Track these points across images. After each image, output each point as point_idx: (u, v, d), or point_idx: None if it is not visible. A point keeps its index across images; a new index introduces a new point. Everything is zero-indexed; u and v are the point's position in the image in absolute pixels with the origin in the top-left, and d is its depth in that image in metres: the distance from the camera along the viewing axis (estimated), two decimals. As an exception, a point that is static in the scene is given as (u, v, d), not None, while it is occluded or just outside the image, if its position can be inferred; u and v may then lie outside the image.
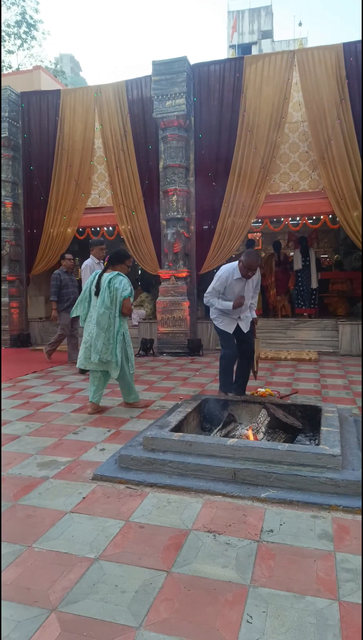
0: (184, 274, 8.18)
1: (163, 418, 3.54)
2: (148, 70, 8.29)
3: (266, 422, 3.47)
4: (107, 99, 8.51)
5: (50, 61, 25.12)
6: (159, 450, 2.91)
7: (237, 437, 3.30)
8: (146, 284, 10.18)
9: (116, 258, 4.32)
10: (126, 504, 2.51)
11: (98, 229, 9.27)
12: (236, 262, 4.48)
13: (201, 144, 8.13)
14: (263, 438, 3.31)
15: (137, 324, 8.99)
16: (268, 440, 3.28)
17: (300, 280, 9.26)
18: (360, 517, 2.39)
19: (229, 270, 4.46)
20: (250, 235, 11.19)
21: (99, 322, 4.10)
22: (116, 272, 4.23)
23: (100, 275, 4.24)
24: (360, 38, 7.22)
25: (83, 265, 6.09)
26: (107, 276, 4.18)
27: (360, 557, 2.04)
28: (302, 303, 9.27)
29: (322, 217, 8.10)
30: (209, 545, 2.13)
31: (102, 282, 4.17)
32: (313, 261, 9.25)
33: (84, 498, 2.57)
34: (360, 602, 1.75)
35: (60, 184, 8.84)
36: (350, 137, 7.24)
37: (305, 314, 9.20)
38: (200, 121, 8.11)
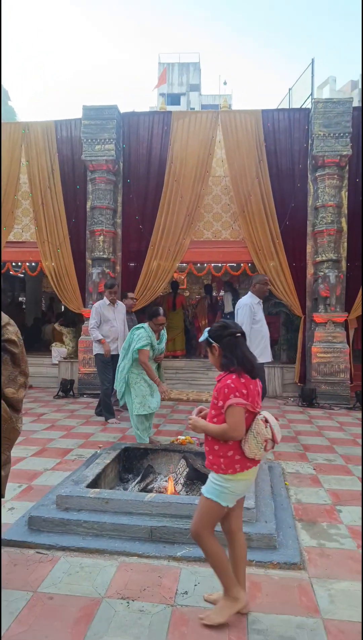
0: (108, 314, 8.14)
1: (79, 471, 3.43)
2: (78, 108, 8.45)
3: (185, 472, 3.48)
4: (36, 137, 8.48)
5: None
6: (73, 510, 2.80)
7: (156, 491, 3.27)
8: (68, 321, 9.96)
9: (149, 314, 4.80)
10: (35, 571, 2.36)
11: (20, 263, 9.00)
12: (248, 294, 5.12)
13: (129, 189, 8.33)
14: (181, 490, 3.32)
15: (57, 362, 8.71)
16: (187, 492, 3.29)
17: None
18: (273, 571, 2.45)
19: (249, 300, 5.01)
20: (175, 275, 11.47)
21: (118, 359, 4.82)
22: (142, 326, 4.65)
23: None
24: (310, 99, 7.97)
25: (95, 305, 6.31)
26: (137, 326, 4.71)
27: (273, 615, 2.09)
28: (225, 345, 9.59)
29: (242, 264, 8.57)
30: (122, 614, 2.06)
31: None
32: (239, 304, 9.72)
33: (-12, 568, 2.38)
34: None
35: (-20, 216, 8.53)
36: (266, 195, 7.84)
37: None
38: (129, 167, 8.34)
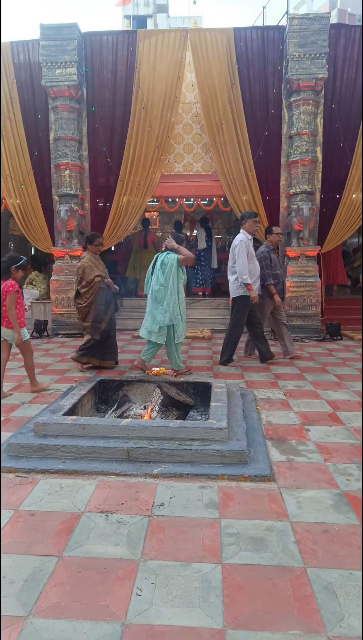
0: (79, 253, 7.93)
1: (56, 402, 3.46)
2: (34, 32, 7.66)
3: (159, 400, 3.57)
4: (-10, 59, 7.76)
5: None
6: (51, 436, 2.85)
7: (131, 417, 3.36)
8: (37, 262, 9.69)
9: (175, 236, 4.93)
10: (16, 492, 2.44)
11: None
12: None
13: (95, 118, 7.84)
14: (156, 416, 3.41)
15: (30, 304, 8.56)
16: (161, 418, 3.38)
17: (202, 260, 9.50)
18: (244, 483, 2.60)
19: None
20: (146, 214, 11.17)
21: (156, 297, 4.70)
22: (167, 252, 4.78)
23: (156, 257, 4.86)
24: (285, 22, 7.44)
25: (237, 242, 5.31)
26: (160, 257, 4.78)
27: (244, 520, 2.23)
28: (200, 282, 9.58)
29: (214, 199, 8.37)
30: (101, 525, 2.16)
31: (157, 263, 4.77)
32: (214, 242, 9.60)
33: (-32, 492, 2.44)
34: (242, 562, 1.92)
35: None
36: (239, 122, 7.50)
37: (200, 293, 9.53)
38: (93, 93, 7.79)
